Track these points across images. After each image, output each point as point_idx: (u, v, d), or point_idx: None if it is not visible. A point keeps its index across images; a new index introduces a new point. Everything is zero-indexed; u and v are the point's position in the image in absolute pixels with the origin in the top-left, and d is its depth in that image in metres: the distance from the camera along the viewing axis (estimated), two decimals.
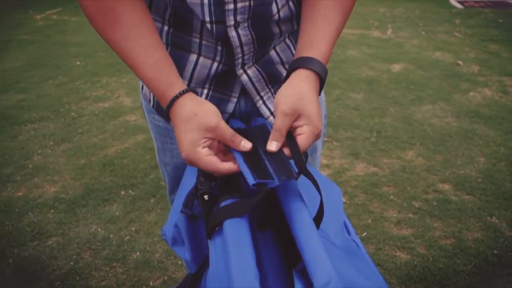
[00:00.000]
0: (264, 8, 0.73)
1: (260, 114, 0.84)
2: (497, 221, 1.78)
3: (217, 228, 0.57)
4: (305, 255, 0.50)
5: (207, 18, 0.72)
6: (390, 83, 3.19)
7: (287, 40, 0.84)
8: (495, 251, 1.62)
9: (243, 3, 0.70)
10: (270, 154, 0.63)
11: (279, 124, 0.64)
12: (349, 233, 0.76)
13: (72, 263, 1.64)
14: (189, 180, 0.81)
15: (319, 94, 0.70)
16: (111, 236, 1.77)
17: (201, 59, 0.78)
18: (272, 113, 0.83)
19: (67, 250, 1.71)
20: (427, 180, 2.06)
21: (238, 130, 0.68)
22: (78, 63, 3.95)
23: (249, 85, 0.81)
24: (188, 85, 0.80)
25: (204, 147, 0.63)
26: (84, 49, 4.40)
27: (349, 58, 3.73)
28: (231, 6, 0.70)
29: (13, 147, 2.49)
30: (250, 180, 0.58)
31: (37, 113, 2.92)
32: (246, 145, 0.64)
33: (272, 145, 0.64)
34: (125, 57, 0.69)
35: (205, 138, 0.63)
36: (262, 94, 0.83)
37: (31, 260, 1.67)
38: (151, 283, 1.54)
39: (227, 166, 0.63)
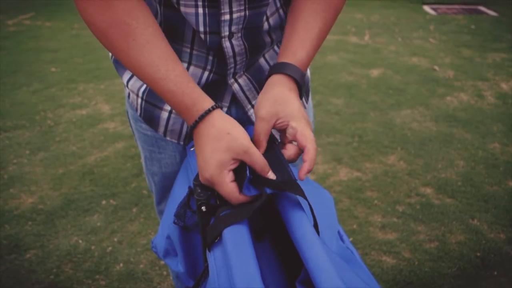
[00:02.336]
0: (258, 17, 0.72)
1: (251, 122, 0.83)
2: (478, 223, 1.81)
3: (215, 238, 0.55)
4: (308, 264, 0.49)
5: (201, 29, 0.70)
6: (370, 88, 3.23)
7: (275, 47, 0.83)
8: (478, 253, 1.65)
9: (239, 14, 0.69)
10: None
11: (257, 129, 0.65)
12: (343, 242, 0.76)
13: (52, 276, 1.58)
14: (179, 190, 0.79)
15: (301, 97, 0.70)
16: (93, 247, 1.72)
17: (192, 68, 0.77)
18: None
19: (46, 263, 1.65)
20: (410, 184, 2.08)
21: None
22: (53, 69, 3.85)
23: (240, 94, 0.80)
24: None
25: (230, 170, 0.59)
26: (59, 55, 4.30)
27: (328, 64, 3.77)
28: (227, 17, 0.69)
29: None
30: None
31: (11, 121, 2.83)
32: (271, 176, 0.61)
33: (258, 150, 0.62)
34: (141, 71, 0.64)
35: (234, 160, 0.59)
36: (253, 102, 0.82)
37: (8, 274, 1.60)
38: None
39: (244, 198, 0.60)
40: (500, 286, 1.51)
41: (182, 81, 0.64)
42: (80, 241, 1.76)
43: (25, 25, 5.76)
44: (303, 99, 0.88)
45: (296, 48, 0.70)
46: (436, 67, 3.64)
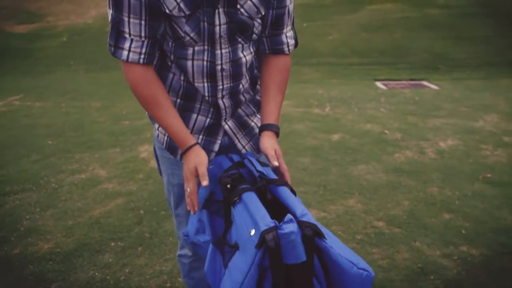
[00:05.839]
0: (237, 86, 1.25)
1: (236, 148, 1.33)
2: (419, 244, 2.28)
3: (236, 199, 1.01)
4: (289, 205, 0.96)
5: (206, 94, 1.22)
6: (331, 149, 3.80)
7: (247, 103, 1.35)
8: (419, 265, 2.10)
9: (227, 85, 1.22)
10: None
11: (271, 154, 1.18)
12: None
13: None
14: (201, 193, 1.24)
15: (278, 137, 1.24)
16: (108, 277, 2.06)
17: (199, 117, 1.27)
18: (244, 147, 1.33)
19: None
20: (365, 219, 2.55)
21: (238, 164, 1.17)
22: (50, 142, 4.27)
23: (230, 131, 1.31)
24: (191, 132, 1.27)
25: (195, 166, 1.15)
26: (52, 130, 4.73)
27: (295, 131, 4.36)
28: (221, 87, 1.21)
29: (2, 215, 2.73)
30: (256, 174, 1.04)
31: (18, 186, 3.18)
32: (205, 183, 1.11)
33: (275, 162, 1.16)
34: (161, 121, 1.17)
35: (195, 166, 1.15)
36: (238, 136, 1.32)
37: None
38: None
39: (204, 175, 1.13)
40: (435, 286, 1.95)
41: (182, 129, 1.17)
42: (97, 274, 2.10)
43: (15, 105, 6.22)
44: None
45: (272, 114, 1.25)
46: (386, 131, 4.29)
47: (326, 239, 0.94)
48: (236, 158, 1.24)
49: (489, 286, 1.96)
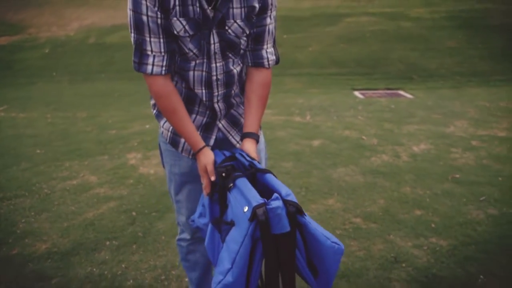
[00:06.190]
0: (229, 92, 1.45)
1: (230, 142, 1.53)
2: (393, 237, 2.49)
3: (231, 185, 1.19)
4: (275, 187, 1.14)
5: (204, 98, 1.42)
6: (312, 154, 4.01)
7: (237, 106, 1.55)
8: (392, 255, 2.30)
9: (222, 91, 1.43)
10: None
11: (253, 155, 1.37)
12: None
13: None
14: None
15: (257, 143, 1.45)
16: (105, 272, 2.20)
17: (198, 117, 1.47)
18: (238, 142, 1.54)
19: (70, 285, 2.10)
20: (344, 216, 2.75)
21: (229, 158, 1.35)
22: (38, 151, 4.36)
23: (223, 129, 1.51)
24: None
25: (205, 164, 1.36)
26: (39, 140, 4.82)
27: (278, 138, 4.56)
28: (216, 93, 1.42)
29: None
30: (246, 163, 1.23)
31: (10, 192, 3.28)
32: (212, 178, 1.33)
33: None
34: (178, 127, 1.38)
35: (205, 164, 1.35)
36: (231, 133, 1.52)
37: None
38: None
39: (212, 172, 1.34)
40: (406, 273, 2.15)
41: (194, 133, 1.38)
42: (94, 269, 2.23)
43: None
44: (262, 143, 1.61)
45: (253, 125, 1.44)
46: (363, 137, 4.53)
47: (306, 215, 1.13)
48: (227, 153, 1.43)
49: (455, 272, 2.17)
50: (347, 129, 4.89)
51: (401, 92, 7.63)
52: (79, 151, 4.29)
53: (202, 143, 1.38)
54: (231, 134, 1.52)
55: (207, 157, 1.34)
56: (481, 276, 2.11)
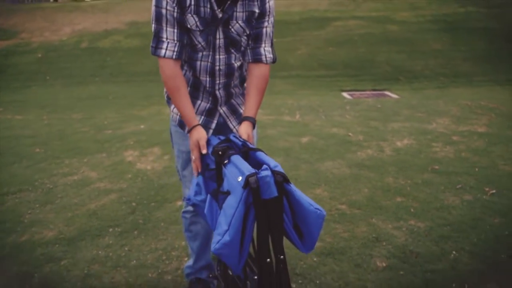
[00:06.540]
0: (230, 81, 1.67)
1: (228, 127, 1.76)
2: (375, 221, 2.70)
3: (226, 161, 1.39)
4: (264, 161, 1.35)
5: (208, 86, 1.65)
6: (301, 149, 4.22)
7: (237, 96, 1.76)
8: (374, 235, 2.51)
9: (223, 80, 1.65)
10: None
11: (244, 137, 1.57)
12: None
13: (85, 271, 2.22)
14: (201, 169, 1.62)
15: (254, 128, 1.64)
16: (110, 254, 2.38)
17: (202, 103, 1.69)
18: (234, 127, 1.75)
19: (78, 265, 2.28)
20: (331, 204, 2.96)
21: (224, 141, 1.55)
22: (37, 150, 4.52)
23: (223, 114, 1.73)
24: (196, 113, 1.68)
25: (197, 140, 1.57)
26: (37, 140, 4.97)
27: (268, 135, 4.77)
28: (218, 81, 1.64)
29: (4, 211, 3.00)
30: (239, 143, 1.43)
31: (14, 187, 3.44)
32: (204, 151, 1.53)
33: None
34: (179, 104, 1.58)
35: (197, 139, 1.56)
36: (230, 118, 1.74)
37: (51, 275, 2.21)
38: (149, 275, 2.18)
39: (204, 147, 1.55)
40: (387, 250, 2.36)
41: (189, 112, 1.58)
42: (100, 252, 2.41)
43: None
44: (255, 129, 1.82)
45: (251, 110, 1.65)
46: (350, 134, 4.76)
47: (292, 184, 1.34)
48: (222, 138, 1.63)
49: (430, 249, 2.39)
50: (335, 127, 5.11)
51: (388, 93, 7.89)
52: (77, 150, 4.46)
53: (196, 122, 1.59)
54: (229, 120, 1.75)
55: (200, 133, 1.56)
56: (454, 252, 2.33)
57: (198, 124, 1.59)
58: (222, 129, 1.73)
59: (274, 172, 1.31)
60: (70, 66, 10.50)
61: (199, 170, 1.57)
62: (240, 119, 1.68)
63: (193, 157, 1.57)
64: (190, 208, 1.85)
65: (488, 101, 6.56)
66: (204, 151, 1.53)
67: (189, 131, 1.58)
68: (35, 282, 2.16)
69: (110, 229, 2.68)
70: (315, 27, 12.33)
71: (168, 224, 2.72)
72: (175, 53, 1.54)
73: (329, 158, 3.94)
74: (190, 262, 2.01)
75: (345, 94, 7.87)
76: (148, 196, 3.16)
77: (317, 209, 1.36)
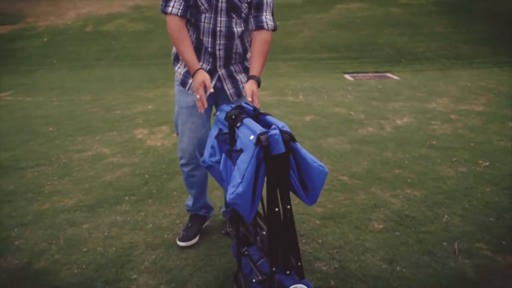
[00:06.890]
0: (230, 44, 1.89)
1: (224, 90, 1.99)
2: (375, 190, 2.88)
3: (239, 124, 1.56)
4: (273, 122, 1.52)
5: (209, 46, 1.87)
6: (304, 127, 4.39)
7: (238, 63, 1.97)
8: (373, 202, 2.70)
9: (223, 42, 1.87)
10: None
11: (249, 93, 1.77)
12: None
13: (106, 233, 2.42)
14: (213, 132, 1.79)
15: (259, 87, 1.82)
16: (128, 219, 2.58)
17: (203, 64, 1.93)
18: (229, 90, 1.99)
19: (98, 228, 2.48)
20: (332, 175, 3.14)
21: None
22: (51, 129, 4.70)
23: (221, 76, 1.96)
24: None
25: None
26: (50, 119, 5.15)
27: (272, 115, 4.91)
28: (218, 41, 1.87)
29: (24, 183, 3.19)
30: (251, 108, 1.60)
31: (32, 162, 3.63)
32: (211, 88, 1.77)
33: (249, 98, 1.76)
34: (182, 53, 1.82)
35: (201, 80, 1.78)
36: (226, 81, 1.97)
37: (74, 237, 2.41)
38: (165, 236, 2.37)
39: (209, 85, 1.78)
40: (384, 214, 2.55)
41: (192, 58, 1.81)
42: (118, 217, 2.60)
43: (7, 100, 6.57)
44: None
45: (255, 69, 1.85)
46: (352, 113, 4.91)
47: (297, 143, 1.51)
48: (234, 106, 1.80)
49: (424, 213, 2.57)
50: (337, 106, 5.26)
51: (389, 75, 8.01)
52: (89, 128, 4.64)
53: (199, 66, 1.81)
54: (226, 83, 1.97)
55: (204, 75, 1.79)
56: (446, 216, 2.52)
57: (201, 68, 1.81)
58: (219, 95, 1.98)
59: (282, 132, 1.48)
60: (76, 49, 10.62)
61: (205, 106, 1.79)
62: (236, 86, 1.92)
63: (198, 96, 1.78)
64: (184, 160, 2.14)
65: (487, 81, 6.68)
66: (211, 90, 1.77)
67: (193, 75, 1.80)
68: (61, 243, 2.36)
69: (126, 198, 2.87)
70: (318, 10, 12.37)
71: (180, 194, 2.90)
72: (180, 11, 1.80)
73: (331, 135, 4.11)
74: (190, 202, 2.35)
75: (347, 76, 7.99)
76: (160, 169, 3.35)
77: (320, 165, 1.54)
